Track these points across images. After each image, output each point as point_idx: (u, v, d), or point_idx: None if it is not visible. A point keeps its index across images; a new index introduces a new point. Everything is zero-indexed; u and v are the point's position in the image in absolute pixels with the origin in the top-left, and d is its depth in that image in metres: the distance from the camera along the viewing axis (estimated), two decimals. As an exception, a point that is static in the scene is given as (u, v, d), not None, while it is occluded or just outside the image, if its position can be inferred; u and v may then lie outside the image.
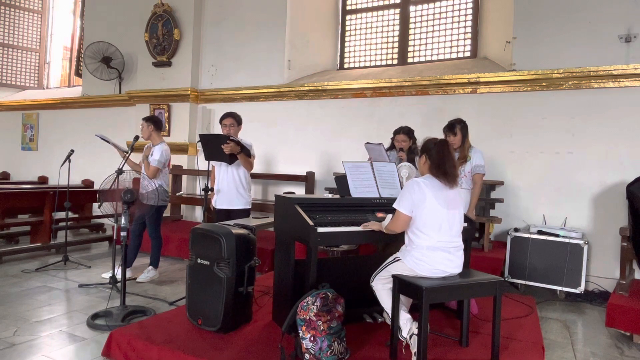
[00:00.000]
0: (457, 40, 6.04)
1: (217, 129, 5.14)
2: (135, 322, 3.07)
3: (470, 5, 5.95)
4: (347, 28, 6.82)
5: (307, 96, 6.31)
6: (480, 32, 5.89)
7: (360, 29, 6.72)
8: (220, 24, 6.96)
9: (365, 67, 6.63)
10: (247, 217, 4.14)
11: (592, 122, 4.74)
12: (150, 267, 4.53)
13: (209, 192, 4.09)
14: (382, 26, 6.56)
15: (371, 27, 6.64)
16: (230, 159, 4.01)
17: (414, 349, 2.39)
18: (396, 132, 4.28)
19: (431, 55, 6.19)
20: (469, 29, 5.97)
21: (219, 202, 4.23)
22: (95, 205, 6.88)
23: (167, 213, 6.23)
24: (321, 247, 3.71)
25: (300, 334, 2.42)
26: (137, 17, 7.39)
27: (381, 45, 6.56)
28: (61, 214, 5.60)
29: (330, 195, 3.33)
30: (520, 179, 5.05)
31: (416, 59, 6.29)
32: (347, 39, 6.82)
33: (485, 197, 4.82)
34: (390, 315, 2.57)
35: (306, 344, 2.39)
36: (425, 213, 2.51)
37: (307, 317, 2.42)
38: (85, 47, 7.88)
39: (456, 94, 5.42)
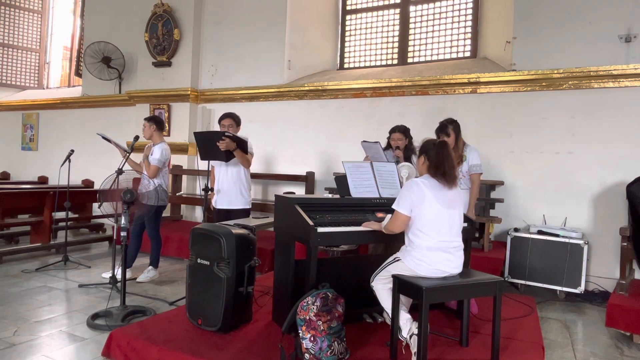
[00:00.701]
0: (457, 40, 6.04)
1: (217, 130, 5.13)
2: (135, 322, 3.07)
3: (470, 5, 5.95)
4: (347, 28, 6.82)
5: (307, 96, 6.31)
6: (480, 32, 5.89)
7: (360, 29, 6.72)
8: (220, 24, 6.97)
9: (365, 67, 6.63)
10: (247, 217, 4.14)
11: (592, 122, 4.74)
12: (150, 267, 4.53)
13: (209, 192, 4.09)
14: (382, 26, 6.56)
15: (371, 27, 6.64)
16: (227, 157, 3.98)
17: (414, 349, 2.39)
18: (392, 131, 4.28)
19: (431, 55, 6.19)
20: (469, 29, 5.97)
21: (219, 202, 4.23)
22: (95, 205, 6.88)
23: (167, 213, 6.24)
24: (321, 247, 3.71)
25: (300, 334, 2.42)
26: (137, 17, 7.39)
27: (381, 45, 6.56)
28: (61, 214, 5.60)
29: (330, 195, 3.33)
30: (520, 179, 5.05)
31: (416, 59, 6.29)
32: (347, 39, 6.82)
33: (485, 197, 4.82)
34: (390, 315, 2.57)
35: (306, 344, 2.39)
36: (425, 213, 2.51)
37: (307, 317, 2.42)
38: (85, 47, 7.88)
39: (456, 94, 5.42)
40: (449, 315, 3.30)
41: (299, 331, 2.43)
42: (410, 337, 2.43)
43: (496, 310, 2.52)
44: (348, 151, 5.80)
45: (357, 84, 5.95)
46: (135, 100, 7.41)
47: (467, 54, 5.96)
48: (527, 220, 4.97)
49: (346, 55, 6.83)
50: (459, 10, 6.03)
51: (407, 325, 2.48)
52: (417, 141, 2.80)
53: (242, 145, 3.98)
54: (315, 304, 2.43)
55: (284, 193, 4.68)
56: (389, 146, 4.31)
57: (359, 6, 6.74)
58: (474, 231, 3.91)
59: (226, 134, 3.87)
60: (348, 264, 3.36)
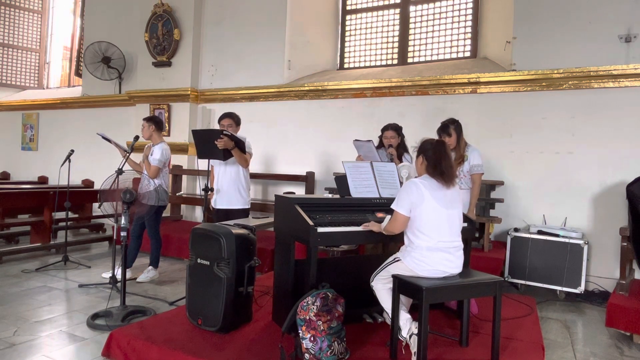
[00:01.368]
0: (457, 40, 6.04)
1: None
2: (135, 322, 3.07)
3: (470, 5, 5.94)
4: (347, 28, 6.82)
5: (307, 96, 6.31)
6: (480, 32, 5.89)
7: (360, 29, 6.72)
8: (220, 24, 6.96)
9: (365, 67, 6.63)
10: (246, 217, 4.13)
11: (592, 122, 4.74)
12: (150, 267, 4.53)
13: (209, 192, 4.09)
14: (382, 26, 6.56)
15: (371, 27, 6.64)
16: (225, 155, 3.97)
17: (414, 349, 2.39)
18: (384, 129, 4.30)
19: (431, 55, 6.19)
20: (469, 29, 5.97)
21: (219, 201, 4.22)
22: (95, 205, 6.88)
23: (167, 213, 6.24)
24: (321, 247, 3.71)
25: (300, 334, 2.42)
26: (137, 17, 7.39)
27: (381, 45, 6.56)
28: (61, 214, 5.60)
29: (330, 195, 3.32)
30: (520, 179, 5.05)
31: (416, 59, 6.29)
32: (347, 39, 6.82)
33: (485, 197, 4.82)
34: (390, 315, 2.57)
35: (306, 344, 2.39)
36: (424, 213, 2.51)
37: (307, 317, 2.42)
38: (86, 46, 7.88)
39: (456, 94, 5.42)
40: (449, 315, 3.30)
41: (299, 331, 2.43)
42: (410, 337, 2.43)
43: (496, 310, 2.52)
44: (348, 151, 5.78)
45: (357, 84, 5.95)
46: (135, 100, 7.41)
47: (467, 54, 5.96)
48: (527, 220, 4.97)
49: (346, 55, 6.83)
50: (459, 10, 6.02)
51: (407, 325, 2.48)
52: (416, 141, 2.80)
53: (239, 144, 3.98)
54: (315, 304, 2.43)
55: (284, 193, 4.68)
56: (381, 144, 4.32)
57: (359, 6, 6.74)
58: (474, 231, 3.91)
59: (224, 132, 3.87)
60: (348, 264, 3.36)
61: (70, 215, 5.93)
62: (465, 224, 2.96)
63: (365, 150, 4.14)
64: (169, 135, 6.99)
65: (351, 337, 2.67)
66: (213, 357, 2.48)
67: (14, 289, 4.07)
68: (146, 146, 4.64)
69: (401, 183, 3.21)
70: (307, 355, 2.39)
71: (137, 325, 2.91)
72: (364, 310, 3.11)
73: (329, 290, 2.53)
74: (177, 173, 6.83)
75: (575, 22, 4.81)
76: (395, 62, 6.43)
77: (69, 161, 5.11)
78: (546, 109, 4.96)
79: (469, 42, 5.96)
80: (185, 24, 7.00)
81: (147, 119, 4.60)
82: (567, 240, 4.33)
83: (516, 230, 4.63)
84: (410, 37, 6.33)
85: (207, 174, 4.05)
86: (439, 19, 6.14)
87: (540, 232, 4.49)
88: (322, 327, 2.39)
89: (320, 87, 6.18)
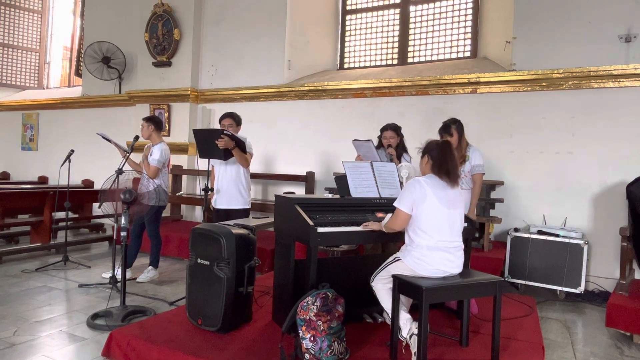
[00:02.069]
0: (457, 40, 6.04)
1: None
2: (135, 322, 3.07)
3: (470, 5, 5.94)
4: (347, 28, 6.82)
5: (307, 96, 6.31)
6: (480, 32, 5.89)
7: (360, 29, 6.72)
8: (220, 24, 6.96)
9: (365, 67, 6.63)
10: (246, 217, 4.13)
11: (592, 122, 4.74)
12: (150, 267, 4.53)
13: (209, 192, 4.08)
14: (382, 26, 6.56)
15: (371, 27, 6.64)
16: (225, 155, 3.97)
17: (414, 349, 2.39)
18: (383, 129, 4.30)
19: (431, 55, 6.19)
20: (469, 29, 5.97)
21: (219, 201, 4.22)
22: (95, 205, 6.88)
23: (167, 213, 6.24)
24: (321, 247, 3.71)
25: (300, 334, 2.42)
26: (137, 17, 7.39)
27: (381, 45, 6.56)
28: (61, 214, 5.60)
29: (330, 195, 3.32)
30: (520, 179, 5.05)
31: (416, 59, 6.29)
32: (347, 39, 6.82)
33: (485, 197, 4.82)
34: (390, 315, 2.57)
35: (306, 344, 2.39)
36: (426, 212, 2.51)
37: (307, 317, 2.42)
38: (86, 47, 7.88)
39: (456, 94, 5.42)
40: (449, 315, 3.30)
41: (299, 331, 2.43)
42: (410, 337, 2.43)
43: (496, 310, 2.52)
44: (348, 151, 5.77)
45: (357, 84, 5.95)
46: (135, 100, 7.41)
47: (467, 54, 5.96)
48: (527, 220, 4.97)
49: (346, 55, 6.83)
50: (459, 10, 6.02)
51: (407, 325, 2.48)
52: (418, 141, 2.80)
53: (240, 144, 3.98)
54: (315, 304, 2.43)
55: (284, 193, 4.68)
56: (380, 145, 4.32)
57: (359, 6, 6.74)
58: (474, 231, 3.91)
59: (225, 132, 3.87)
60: (348, 264, 3.36)
61: (70, 215, 5.93)
62: (466, 224, 2.96)
63: (364, 150, 4.15)
64: (169, 135, 6.99)
65: (351, 337, 2.67)
66: (213, 357, 2.48)
67: (14, 289, 4.07)
68: (146, 146, 4.64)
69: (401, 183, 3.21)
70: (307, 355, 2.39)
71: (137, 325, 2.91)
72: (364, 310, 3.11)
73: (329, 290, 2.53)
74: (177, 173, 6.82)
75: (575, 22, 4.81)
76: (395, 62, 6.43)
77: (69, 161, 5.11)
78: (546, 109, 4.96)
79: (469, 42, 5.96)
80: (185, 24, 7.00)
81: (146, 119, 4.60)
82: (567, 240, 4.33)
83: (516, 230, 4.63)
84: (410, 37, 6.33)
85: (207, 174, 4.05)
86: (439, 19, 6.14)
87: (540, 232, 4.49)
88: (322, 327, 2.39)
89: (320, 87, 6.18)
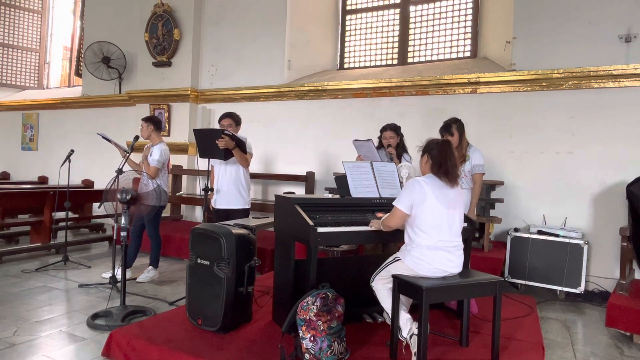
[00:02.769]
0: (457, 40, 6.04)
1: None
2: (135, 322, 3.07)
3: (470, 5, 5.95)
4: (347, 28, 6.82)
5: (307, 96, 6.31)
6: (480, 32, 5.89)
7: (360, 29, 6.72)
8: (220, 24, 6.96)
9: (365, 67, 6.63)
10: (246, 217, 4.14)
11: (592, 122, 4.74)
12: (150, 267, 4.53)
13: (209, 192, 4.08)
14: (382, 26, 6.56)
15: (371, 27, 6.64)
16: (225, 155, 3.98)
17: (414, 349, 2.39)
18: (383, 129, 4.31)
19: (431, 55, 6.19)
20: (469, 29, 5.97)
21: (218, 201, 4.22)
22: (95, 205, 6.88)
23: (167, 213, 6.24)
24: (321, 247, 3.71)
25: (300, 334, 2.42)
26: (137, 17, 7.39)
27: (381, 45, 6.56)
28: (61, 214, 5.60)
29: (330, 195, 3.33)
30: (520, 179, 5.05)
31: (416, 59, 6.29)
32: (347, 39, 6.82)
33: (485, 197, 4.82)
34: (390, 315, 2.57)
35: (306, 344, 2.39)
36: (425, 212, 2.51)
37: (307, 317, 2.42)
38: (85, 47, 7.88)
39: (456, 94, 5.42)
40: (449, 315, 3.31)
41: (299, 331, 2.43)
42: (410, 337, 2.43)
43: (496, 310, 2.52)
44: (348, 151, 5.77)
45: (357, 84, 5.95)
46: (135, 100, 7.41)
47: (467, 54, 5.96)
48: (527, 220, 4.97)
49: (346, 55, 6.83)
50: (459, 10, 6.02)
51: (407, 325, 2.48)
52: (419, 141, 2.80)
53: (240, 144, 3.98)
54: (315, 304, 2.43)
55: (284, 193, 4.68)
56: (380, 145, 4.32)
57: (359, 6, 6.74)
58: (474, 231, 3.91)
59: (225, 132, 3.88)
60: (348, 264, 3.36)
61: (70, 215, 5.93)
62: (466, 224, 2.96)
63: (364, 149, 4.15)
64: (169, 135, 6.99)
65: (351, 337, 2.66)
66: (213, 357, 2.48)
67: (14, 289, 4.07)
68: (145, 147, 4.64)
69: (401, 183, 3.21)
70: (307, 355, 2.39)
71: (137, 325, 2.91)
72: (364, 310, 3.12)
73: (329, 290, 2.53)
74: (177, 173, 6.83)
75: (575, 22, 4.81)
76: (395, 62, 6.43)
77: (69, 161, 5.11)
78: (546, 109, 4.96)
79: (469, 42, 5.96)
80: (185, 24, 7.00)
81: (146, 119, 4.60)
82: (567, 240, 4.33)
83: (516, 230, 4.63)
84: (410, 37, 6.33)
85: (207, 173, 4.05)
86: (439, 19, 6.14)
87: (540, 232, 4.49)
88: (322, 327, 2.39)
89: (320, 87, 6.18)
